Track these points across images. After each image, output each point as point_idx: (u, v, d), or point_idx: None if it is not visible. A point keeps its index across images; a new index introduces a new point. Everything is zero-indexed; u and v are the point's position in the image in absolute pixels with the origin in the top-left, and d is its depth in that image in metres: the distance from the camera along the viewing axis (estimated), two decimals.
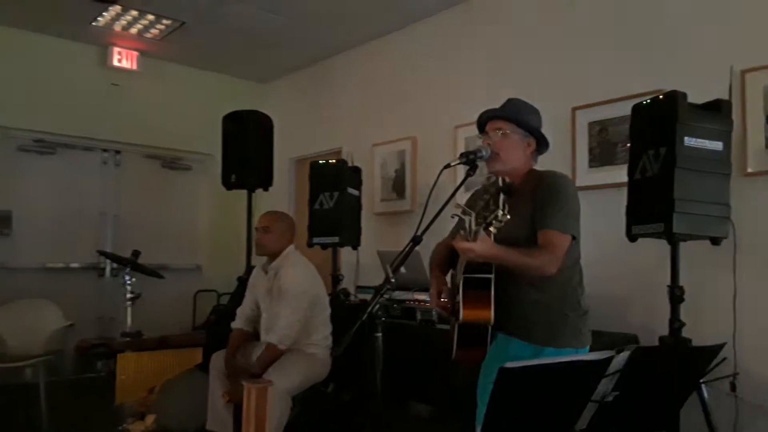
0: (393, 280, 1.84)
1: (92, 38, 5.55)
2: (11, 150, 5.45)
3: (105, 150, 6.00)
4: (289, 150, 6.24)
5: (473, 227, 1.86)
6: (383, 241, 5.14)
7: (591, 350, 2.77)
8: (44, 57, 5.51)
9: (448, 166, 2.09)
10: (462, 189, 2.21)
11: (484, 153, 2.09)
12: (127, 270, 2.91)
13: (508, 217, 1.75)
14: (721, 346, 1.42)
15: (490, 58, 4.50)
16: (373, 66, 5.57)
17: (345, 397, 3.73)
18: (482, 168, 2.20)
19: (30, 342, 4.22)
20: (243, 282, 6.22)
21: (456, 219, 2.03)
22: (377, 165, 5.38)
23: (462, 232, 1.95)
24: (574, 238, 2.05)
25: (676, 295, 2.65)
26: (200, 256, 6.60)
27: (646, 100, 2.75)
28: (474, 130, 4.53)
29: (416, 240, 1.99)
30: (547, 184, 2.09)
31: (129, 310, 2.91)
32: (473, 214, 1.89)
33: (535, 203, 2.05)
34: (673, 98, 2.58)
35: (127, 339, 2.72)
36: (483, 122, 2.26)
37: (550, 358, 1.55)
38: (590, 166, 3.79)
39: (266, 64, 6.23)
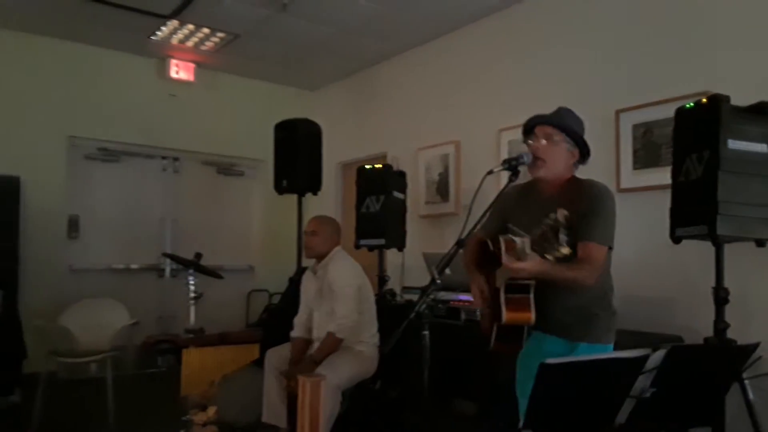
0: (439, 281, 1.95)
1: (151, 51, 5.86)
2: (79, 158, 5.82)
3: (164, 157, 6.32)
4: (336, 155, 6.42)
5: (527, 251, 1.90)
6: (428, 243, 5.25)
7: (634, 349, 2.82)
8: (108, 70, 5.87)
9: (491, 172, 2.18)
10: None
11: (525, 159, 2.18)
12: (191, 271, 3.10)
13: (567, 252, 1.81)
14: (756, 345, 1.47)
15: (532, 62, 4.55)
16: (416, 72, 5.69)
17: (392, 394, 3.85)
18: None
19: (98, 338, 4.49)
20: (294, 282, 6.46)
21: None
22: (421, 169, 5.49)
23: (504, 242, 1.99)
24: (610, 248, 2.12)
25: (720, 297, 2.67)
26: (253, 257, 6.87)
27: (689, 104, 2.77)
28: (517, 133, 4.61)
29: (461, 243, 2.10)
30: (589, 195, 2.15)
31: (192, 308, 3.11)
32: (528, 239, 1.93)
33: (577, 212, 2.09)
34: (717, 101, 2.60)
35: (191, 336, 2.91)
36: (531, 126, 2.31)
37: (589, 355, 1.63)
38: (634, 168, 3.81)
39: (314, 72, 6.44)
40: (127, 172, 6.12)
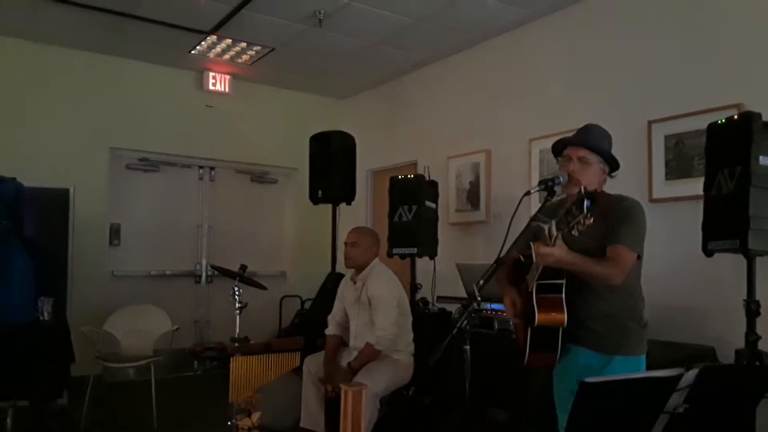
0: (479, 299, 2.04)
1: (189, 64, 6.06)
2: (120, 168, 6.05)
3: (201, 167, 6.52)
4: (366, 162, 6.53)
5: (554, 232, 1.99)
6: (458, 250, 5.33)
7: (669, 362, 2.88)
8: (147, 83, 6.08)
9: (528, 193, 2.27)
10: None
11: (561, 179, 2.26)
12: (236, 282, 3.25)
13: (592, 220, 1.86)
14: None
15: (564, 73, 4.60)
16: (447, 82, 5.77)
17: (425, 401, 3.95)
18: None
19: (141, 343, 4.70)
20: (326, 290, 6.61)
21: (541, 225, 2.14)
22: (452, 176, 5.57)
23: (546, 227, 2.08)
24: (639, 257, 2.18)
25: (752, 310, 2.72)
26: (285, 263, 7.03)
27: (721, 120, 2.82)
28: (548, 143, 4.69)
29: (499, 262, 2.18)
30: (622, 206, 2.23)
31: (237, 318, 3.26)
32: (553, 221, 2.02)
33: (608, 223, 2.17)
34: (748, 118, 2.65)
35: (236, 345, 3.07)
36: (561, 148, 2.40)
37: (626, 373, 1.71)
38: (667, 179, 3.85)
39: (345, 81, 6.57)
40: (166, 181, 6.33)
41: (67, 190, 4.98)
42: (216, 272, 6.35)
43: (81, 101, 5.71)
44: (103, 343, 4.66)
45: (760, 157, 2.61)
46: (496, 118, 5.18)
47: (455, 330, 1.96)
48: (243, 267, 3.31)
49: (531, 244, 2.09)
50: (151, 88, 6.10)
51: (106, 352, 4.59)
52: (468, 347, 2.00)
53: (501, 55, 5.18)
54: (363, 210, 6.68)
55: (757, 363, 2.69)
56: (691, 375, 1.42)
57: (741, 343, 2.81)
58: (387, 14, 4.72)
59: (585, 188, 1.93)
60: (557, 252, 1.99)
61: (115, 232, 5.97)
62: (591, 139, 2.34)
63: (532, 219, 2.33)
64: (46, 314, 4.03)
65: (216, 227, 6.59)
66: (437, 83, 5.90)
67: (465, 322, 1.99)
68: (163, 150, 6.19)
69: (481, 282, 2.10)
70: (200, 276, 6.49)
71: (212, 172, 6.60)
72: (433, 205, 4.78)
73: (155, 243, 6.22)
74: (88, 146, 5.70)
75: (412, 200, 4.61)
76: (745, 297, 2.79)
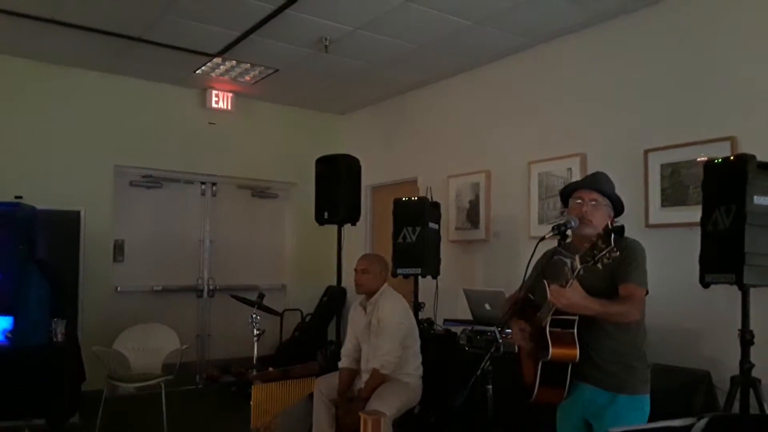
0: (500, 341, 2.17)
1: (193, 83, 6.15)
2: (124, 185, 6.12)
3: (203, 182, 6.61)
4: (366, 177, 6.59)
5: (577, 266, 2.07)
6: (458, 268, 5.48)
7: (668, 389, 3.04)
8: (151, 101, 6.17)
9: (543, 239, 2.38)
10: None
11: (573, 224, 2.40)
12: (254, 310, 3.37)
13: (617, 254, 1.98)
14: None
15: (563, 99, 4.76)
16: (448, 102, 5.91)
17: (431, 418, 4.08)
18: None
19: (150, 362, 4.79)
20: (323, 303, 6.74)
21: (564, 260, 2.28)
22: (452, 195, 5.72)
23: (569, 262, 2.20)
24: (647, 292, 2.34)
25: (746, 339, 2.88)
26: (286, 277, 7.14)
27: (718, 159, 2.98)
28: (547, 166, 4.85)
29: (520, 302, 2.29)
30: (625, 246, 2.38)
31: (256, 345, 3.37)
32: (577, 256, 2.10)
33: (615, 264, 2.30)
34: (743, 160, 2.82)
35: (253, 372, 3.18)
36: (572, 190, 2.54)
37: (646, 424, 1.83)
38: (662, 206, 4.01)
39: (347, 98, 6.70)
40: (168, 197, 6.41)
41: (78, 213, 5.04)
42: (217, 287, 6.55)
43: (86, 120, 5.79)
44: (113, 362, 4.74)
45: (755, 197, 2.77)
46: (496, 140, 5.33)
47: (479, 371, 2.09)
48: (261, 295, 3.43)
49: (546, 282, 2.22)
50: (155, 106, 6.19)
51: (116, 372, 4.67)
52: (490, 386, 2.13)
53: (501, 79, 5.33)
54: (363, 224, 6.79)
55: (753, 390, 2.85)
56: (701, 424, 1.56)
57: (735, 366, 2.97)
58: (390, 40, 4.85)
59: (611, 223, 2.03)
60: (571, 295, 2.12)
61: (118, 249, 6.05)
62: (600, 184, 2.50)
63: (554, 253, 2.47)
64: (59, 336, 4.12)
65: (217, 242, 6.68)
66: (438, 103, 6.03)
67: (488, 364, 2.11)
68: (166, 167, 6.28)
69: (501, 327, 2.22)
70: (202, 290, 6.58)
71: (214, 188, 6.69)
72: (436, 226, 4.91)
73: (158, 258, 6.30)
74: (94, 165, 5.78)
75: (415, 222, 4.74)
76: (738, 323, 2.96)
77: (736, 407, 2.94)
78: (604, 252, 1.98)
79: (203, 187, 6.63)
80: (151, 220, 6.31)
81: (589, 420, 2.38)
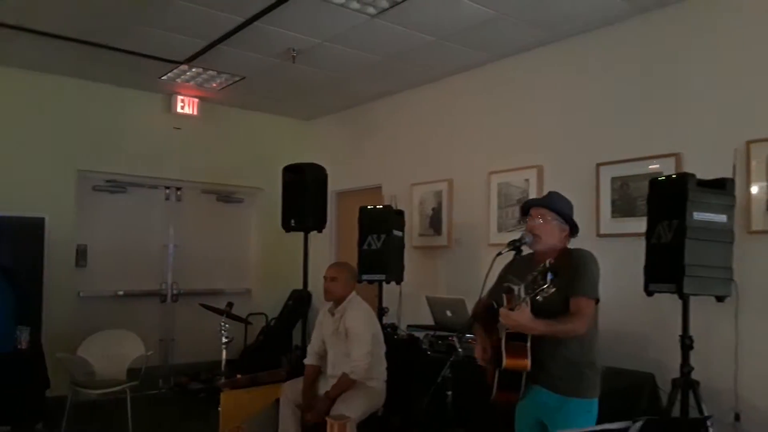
0: (460, 350, 2.33)
1: (158, 88, 6.16)
2: (87, 190, 6.09)
3: (167, 187, 6.61)
4: (332, 183, 6.71)
5: (522, 295, 2.33)
6: (421, 273, 5.65)
7: (615, 390, 3.26)
8: (115, 106, 6.15)
9: (500, 254, 2.56)
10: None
11: (527, 240, 2.58)
12: (223, 318, 3.45)
13: (553, 290, 2.27)
14: (708, 417, 1.87)
15: (522, 114, 4.97)
16: (412, 112, 6.07)
17: (394, 421, 4.23)
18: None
19: (114, 368, 4.81)
20: (288, 307, 6.81)
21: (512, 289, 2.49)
22: (415, 202, 5.89)
23: (505, 295, 2.44)
24: (597, 301, 2.52)
25: (686, 344, 3.12)
26: (251, 281, 7.19)
27: (661, 177, 3.22)
28: (506, 177, 5.05)
29: (476, 317, 2.46)
30: (576, 258, 2.58)
31: (224, 352, 3.46)
32: (523, 285, 2.34)
33: (570, 273, 2.51)
34: (684, 178, 3.05)
35: (222, 379, 3.27)
36: (527, 208, 2.73)
37: (589, 427, 2.00)
38: (612, 217, 4.26)
39: (312, 105, 6.80)
40: (132, 202, 6.40)
41: (42, 219, 5.01)
42: (181, 292, 6.56)
43: (49, 125, 5.74)
44: (77, 368, 4.73)
45: (694, 213, 3.01)
46: (458, 150, 5.51)
47: (440, 379, 2.24)
48: (230, 305, 3.51)
49: (495, 305, 2.41)
50: (119, 111, 6.17)
51: (80, 378, 4.66)
52: (450, 392, 2.29)
53: (463, 91, 5.52)
54: (329, 229, 6.88)
55: (692, 391, 3.09)
56: (637, 426, 1.75)
57: (677, 369, 3.21)
58: (357, 53, 4.98)
59: (550, 262, 2.26)
60: (518, 318, 2.34)
61: (81, 254, 6.01)
62: (550, 202, 2.68)
63: (506, 273, 2.64)
64: (24, 343, 4.12)
65: (182, 246, 6.69)
66: (403, 112, 6.19)
67: (448, 371, 2.27)
68: (130, 172, 6.26)
69: (461, 335, 2.39)
70: (166, 295, 6.58)
71: (179, 192, 6.70)
72: (400, 234, 5.07)
73: (121, 263, 6.28)
74: (57, 170, 5.74)
75: (380, 229, 4.88)
76: (680, 330, 3.20)
77: (677, 407, 3.18)
78: (542, 288, 2.26)
79: (167, 191, 6.64)
80: (115, 225, 6.28)
81: (542, 420, 2.57)
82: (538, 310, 2.38)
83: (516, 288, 2.43)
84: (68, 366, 4.61)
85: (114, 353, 4.83)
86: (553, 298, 2.44)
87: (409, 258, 5.47)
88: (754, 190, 3.56)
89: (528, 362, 2.40)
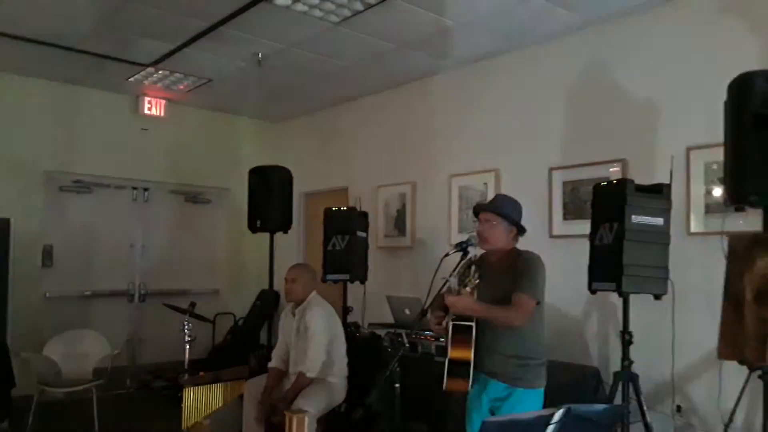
0: (407, 346, 2.49)
1: (125, 90, 6.19)
2: (54, 191, 6.10)
3: (135, 188, 6.65)
4: (299, 184, 6.83)
5: (456, 287, 2.60)
6: (386, 273, 5.79)
7: (562, 383, 3.46)
8: (82, 107, 6.17)
9: (447, 255, 2.73)
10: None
11: (473, 242, 2.76)
12: (186, 317, 3.55)
13: (478, 281, 2.55)
14: (626, 405, 2.03)
15: (481, 119, 5.15)
16: (377, 116, 6.22)
17: (355, 416, 4.37)
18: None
19: (80, 367, 4.85)
20: (257, 307, 6.90)
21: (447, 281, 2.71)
22: (381, 204, 6.04)
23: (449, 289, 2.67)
24: (538, 302, 2.70)
25: (626, 339, 3.32)
26: (218, 282, 7.25)
27: (603, 183, 3.42)
28: (467, 180, 5.23)
29: (424, 312, 2.64)
30: (523, 259, 2.77)
31: (187, 349, 3.55)
32: (456, 278, 2.60)
33: (515, 273, 2.71)
34: (624, 183, 3.26)
35: (186, 377, 3.36)
36: (478, 211, 2.90)
37: (517, 414, 2.17)
38: (564, 219, 4.46)
39: (279, 108, 6.90)
40: (99, 202, 6.42)
41: (8, 220, 5.03)
42: (149, 292, 6.60)
43: (15, 125, 5.74)
44: (43, 367, 4.77)
45: (633, 216, 3.21)
46: (421, 154, 5.68)
47: (387, 372, 2.40)
48: (192, 304, 3.61)
49: (444, 295, 2.59)
50: (86, 112, 6.19)
51: (46, 377, 4.70)
52: (398, 385, 2.44)
53: (425, 97, 5.69)
54: (296, 229, 6.99)
55: (632, 384, 3.29)
56: (561, 412, 1.92)
57: (619, 363, 3.42)
58: (322, 58, 5.11)
59: (472, 258, 2.55)
60: (462, 300, 2.56)
61: (47, 254, 6.02)
62: (497, 207, 2.86)
63: (473, 261, 2.83)
64: None
65: (149, 246, 6.73)
66: (368, 116, 6.33)
67: (396, 365, 2.43)
68: (97, 172, 6.29)
69: (409, 335, 2.55)
70: (133, 295, 6.62)
71: (146, 193, 6.73)
72: (364, 235, 5.21)
73: (88, 263, 6.30)
74: (23, 171, 5.75)
75: (344, 231, 5.02)
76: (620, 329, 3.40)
77: (618, 398, 3.39)
78: (467, 278, 2.57)
79: (135, 192, 6.67)
80: (82, 225, 6.29)
81: (491, 408, 2.75)
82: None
83: (452, 280, 2.67)
84: (34, 365, 4.64)
85: (80, 353, 4.87)
86: (499, 293, 2.64)
87: (374, 258, 5.62)
88: (694, 194, 3.79)
89: (471, 353, 2.58)
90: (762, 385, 2.47)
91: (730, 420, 2.81)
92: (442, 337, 2.83)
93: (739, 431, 3.31)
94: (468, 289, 2.56)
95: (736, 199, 2.56)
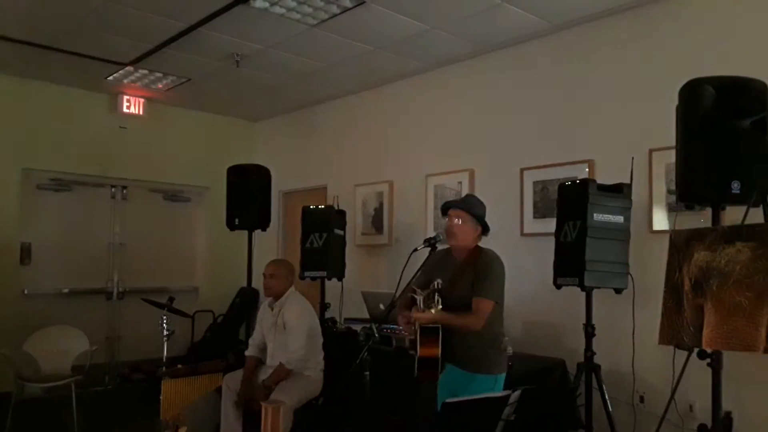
0: (377, 336, 2.62)
1: (105, 88, 6.23)
2: (31, 189, 6.12)
3: (113, 186, 6.68)
4: (278, 183, 6.91)
5: (421, 306, 2.89)
6: (364, 270, 5.92)
7: (529, 373, 3.61)
8: (61, 105, 6.19)
9: (416, 250, 2.89)
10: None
11: (440, 237, 2.92)
12: (164, 312, 3.63)
13: (440, 308, 2.83)
14: (574, 388, 2.18)
15: (456, 120, 5.29)
16: (355, 116, 6.34)
17: (333, 410, 4.48)
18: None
19: (59, 364, 4.90)
20: (236, 305, 6.97)
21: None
22: (359, 202, 6.15)
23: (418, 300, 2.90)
24: (497, 303, 2.86)
25: (588, 332, 3.48)
26: (198, 279, 7.31)
27: (567, 182, 3.58)
28: (442, 179, 5.36)
29: (393, 305, 2.77)
30: (483, 261, 2.93)
31: (165, 344, 3.64)
32: (422, 298, 2.88)
33: (475, 272, 2.88)
34: (586, 183, 3.42)
35: (163, 369, 3.45)
36: (446, 209, 3.04)
37: (475, 395, 2.32)
38: (534, 217, 4.62)
39: (258, 107, 6.98)
40: (77, 200, 6.44)
41: None
42: (127, 289, 6.64)
43: None
44: (22, 364, 4.81)
45: (595, 214, 3.37)
46: (398, 154, 5.81)
47: (358, 361, 2.52)
48: (171, 299, 3.69)
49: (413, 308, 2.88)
50: (64, 110, 6.21)
51: (26, 373, 4.75)
52: (368, 373, 2.57)
53: (402, 97, 5.82)
54: (275, 228, 7.08)
55: (594, 374, 3.45)
56: (516, 394, 2.06)
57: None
58: (299, 59, 5.21)
59: (439, 284, 2.84)
60: (423, 316, 2.84)
61: (26, 252, 6.03)
62: (467, 205, 3.00)
63: (429, 264, 2.97)
64: None
65: (128, 244, 6.76)
66: (346, 116, 6.44)
67: (366, 354, 2.55)
68: (76, 170, 6.32)
69: (378, 326, 2.68)
70: (112, 292, 6.65)
71: (124, 191, 6.77)
72: (341, 233, 5.32)
73: (67, 261, 6.33)
74: (0, 168, 5.75)
75: (322, 228, 5.12)
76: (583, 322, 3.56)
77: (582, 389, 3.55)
78: (431, 303, 2.83)
79: (113, 190, 6.70)
80: (60, 223, 6.32)
81: (456, 393, 2.90)
82: (448, 301, 2.74)
83: (418, 298, 2.91)
84: (13, 362, 4.68)
85: (59, 349, 4.92)
86: (462, 291, 2.80)
87: (352, 255, 5.73)
88: (656, 194, 3.96)
89: (438, 351, 2.78)
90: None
91: (669, 402, 2.98)
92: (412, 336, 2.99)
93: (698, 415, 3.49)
94: (432, 311, 2.84)
95: (686, 198, 2.72)
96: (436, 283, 2.83)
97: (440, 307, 2.80)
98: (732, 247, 1.94)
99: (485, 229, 3.03)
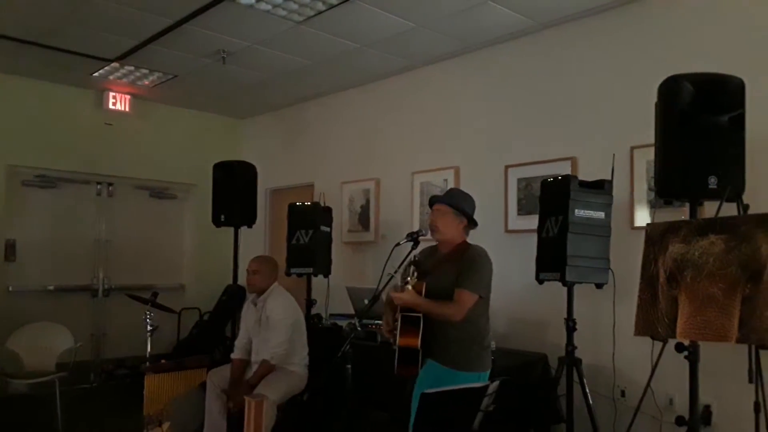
0: (360, 329, 2.64)
1: (90, 84, 6.20)
2: (16, 185, 6.08)
3: (99, 183, 6.65)
4: (265, 181, 6.91)
5: (399, 283, 2.84)
6: (350, 267, 5.94)
7: (512, 368, 3.64)
8: (46, 101, 6.16)
9: (398, 244, 2.90)
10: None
11: (423, 232, 2.93)
12: (149, 307, 3.63)
13: (417, 280, 2.78)
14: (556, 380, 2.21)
15: (441, 118, 5.32)
16: (341, 113, 6.35)
17: (318, 405, 4.50)
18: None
19: (43, 360, 4.88)
20: (222, 302, 6.96)
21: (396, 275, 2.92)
22: (345, 200, 6.17)
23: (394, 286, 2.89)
24: (481, 297, 2.87)
25: (570, 326, 3.53)
26: (184, 277, 7.29)
27: (550, 179, 3.61)
28: (428, 176, 5.39)
29: (375, 298, 2.78)
30: (469, 255, 2.93)
31: (149, 339, 3.64)
32: (400, 275, 2.84)
33: (461, 266, 2.88)
34: (567, 179, 3.45)
35: (147, 364, 3.45)
36: (431, 203, 3.06)
37: (453, 386, 2.34)
38: (519, 214, 4.66)
39: (245, 104, 6.98)
40: (63, 197, 6.41)
41: None
42: (113, 287, 6.62)
43: None
44: (5, 360, 4.78)
45: (576, 210, 3.41)
46: (384, 151, 5.83)
47: (340, 353, 2.54)
48: (155, 294, 3.69)
49: (389, 294, 2.82)
50: (49, 106, 6.18)
51: (10, 370, 4.72)
52: (350, 366, 2.59)
53: (388, 95, 5.84)
54: (262, 225, 7.08)
55: (575, 368, 3.49)
56: (495, 385, 2.09)
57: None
58: (285, 56, 5.21)
59: (416, 257, 2.82)
60: (405, 296, 2.77)
61: (10, 248, 6.00)
62: (447, 198, 3.02)
63: (417, 260, 2.99)
64: None
65: (114, 241, 6.73)
66: (333, 113, 6.46)
67: (348, 348, 2.58)
68: (61, 167, 6.29)
69: (361, 319, 2.70)
70: (97, 290, 6.62)
71: (110, 188, 6.74)
72: (328, 229, 5.33)
73: (52, 258, 6.30)
74: None
75: (308, 225, 5.13)
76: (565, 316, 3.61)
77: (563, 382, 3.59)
78: (406, 278, 2.81)
79: (99, 187, 6.67)
80: (45, 219, 6.29)
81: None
82: (432, 293, 2.74)
83: (397, 277, 2.88)
84: None
85: (43, 345, 4.90)
86: (445, 284, 2.81)
87: (339, 252, 5.75)
88: (637, 190, 4.01)
89: (418, 342, 2.77)
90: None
91: (645, 392, 3.03)
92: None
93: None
94: (409, 287, 2.79)
95: (665, 194, 2.76)
96: (412, 255, 2.79)
97: (416, 276, 2.77)
98: (706, 239, 1.98)
99: (471, 222, 3.04)
